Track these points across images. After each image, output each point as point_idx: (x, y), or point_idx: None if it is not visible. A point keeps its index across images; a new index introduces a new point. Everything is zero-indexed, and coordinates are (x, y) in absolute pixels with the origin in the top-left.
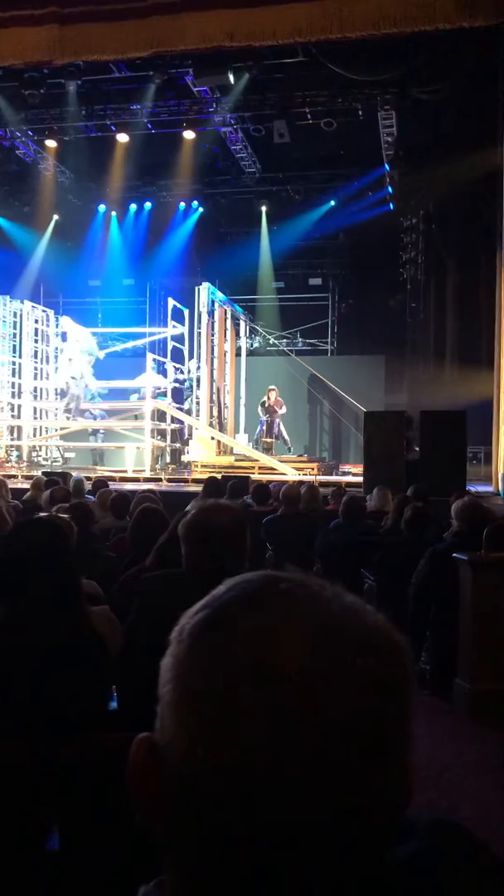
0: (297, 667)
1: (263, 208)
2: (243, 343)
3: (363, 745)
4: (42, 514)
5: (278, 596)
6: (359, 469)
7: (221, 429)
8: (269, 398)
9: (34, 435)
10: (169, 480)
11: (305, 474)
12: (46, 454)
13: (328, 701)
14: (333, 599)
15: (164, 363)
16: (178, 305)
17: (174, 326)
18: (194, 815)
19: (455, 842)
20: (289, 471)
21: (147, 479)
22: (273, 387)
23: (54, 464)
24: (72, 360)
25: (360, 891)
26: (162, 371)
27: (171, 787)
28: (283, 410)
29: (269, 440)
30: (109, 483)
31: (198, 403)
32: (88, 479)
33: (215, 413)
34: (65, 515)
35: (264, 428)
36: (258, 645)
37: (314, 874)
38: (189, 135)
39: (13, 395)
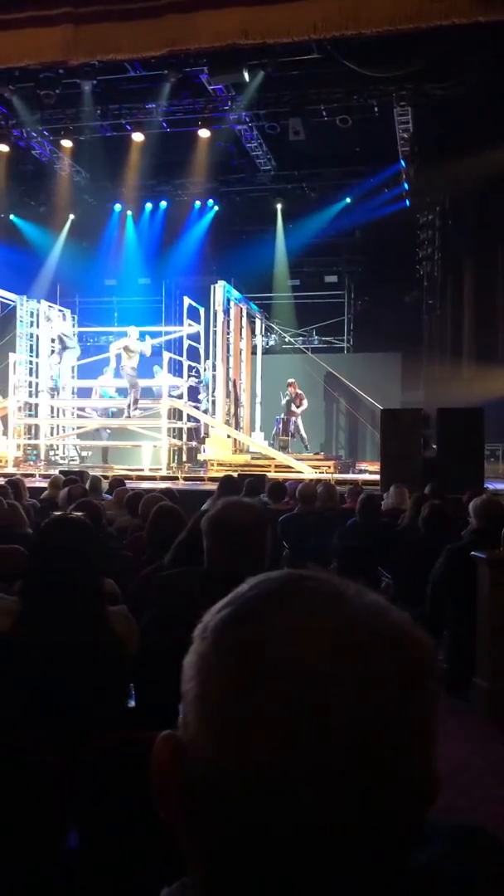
0: (322, 664)
1: (279, 206)
2: (259, 341)
3: (389, 743)
4: (57, 512)
5: (302, 594)
6: (375, 467)
7: (237, 427)
8: (291, 391)
9: (51, 434)
10: (185, 479)
11: (322, 472)
12: (64, 453)
13: (353, 699)
14: (356, 598)
15: (180, 362)
16: (194, 304)
17: (190, 325)
18: (217, 813)
19: (478, 845)
20: (305, 469)
21: (164, 478)
22: (292, 380)
23: (71, 462)
24: (132, 353)
25: (382, 894)
26: (178, 370)
27: (193, 784)
28: (305, 406)
29: (285, 438)
30: (126, 482)
31: (214, 402)
32: (105, 477)
33: (231, 411)
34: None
35: (280, 426)
36: (283, 642)
37: (337, 874)
38: (204, 133)
39: (30, 395)
